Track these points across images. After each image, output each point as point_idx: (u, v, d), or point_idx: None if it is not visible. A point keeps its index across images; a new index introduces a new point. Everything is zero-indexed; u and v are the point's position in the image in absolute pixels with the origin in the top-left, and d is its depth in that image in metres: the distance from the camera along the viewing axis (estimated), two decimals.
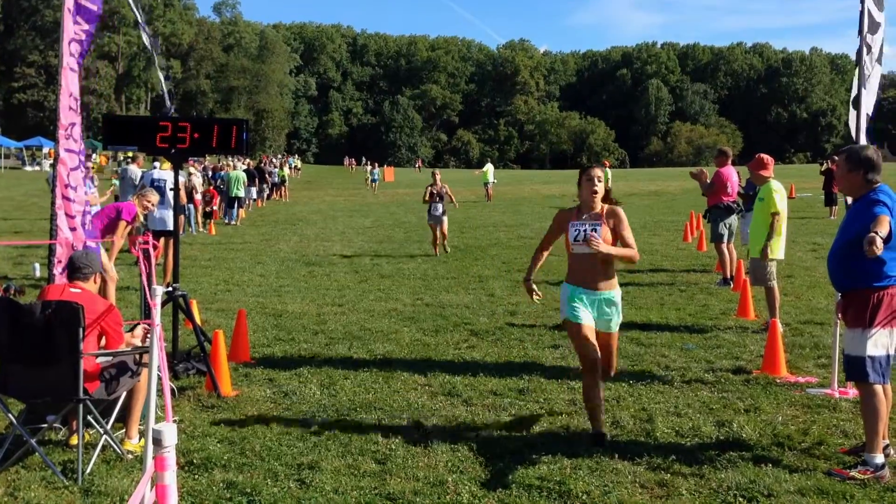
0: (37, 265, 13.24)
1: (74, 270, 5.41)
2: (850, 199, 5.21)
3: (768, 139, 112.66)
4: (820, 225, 21.70)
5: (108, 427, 5.13)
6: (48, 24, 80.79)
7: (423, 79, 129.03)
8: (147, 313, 6.72)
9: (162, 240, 11.87)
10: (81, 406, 4.87)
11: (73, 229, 6.71)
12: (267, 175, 35.27)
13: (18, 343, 4.93)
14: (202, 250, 17.06)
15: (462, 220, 24.03)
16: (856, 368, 4.88)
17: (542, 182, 56.61)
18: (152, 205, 10.41)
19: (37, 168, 58.00)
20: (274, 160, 53.02)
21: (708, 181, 11.88)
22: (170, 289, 6.93)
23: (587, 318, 5.40)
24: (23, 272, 13.50)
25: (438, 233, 16.02)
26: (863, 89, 6.82)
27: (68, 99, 6.64)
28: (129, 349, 5.31)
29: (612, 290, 5.49)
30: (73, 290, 5.25)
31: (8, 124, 77.37)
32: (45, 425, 5.44)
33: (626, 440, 5.44)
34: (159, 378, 3.68)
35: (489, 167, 40.63)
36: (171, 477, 2.82)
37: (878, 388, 4.84)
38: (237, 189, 24.32)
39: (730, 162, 12.23)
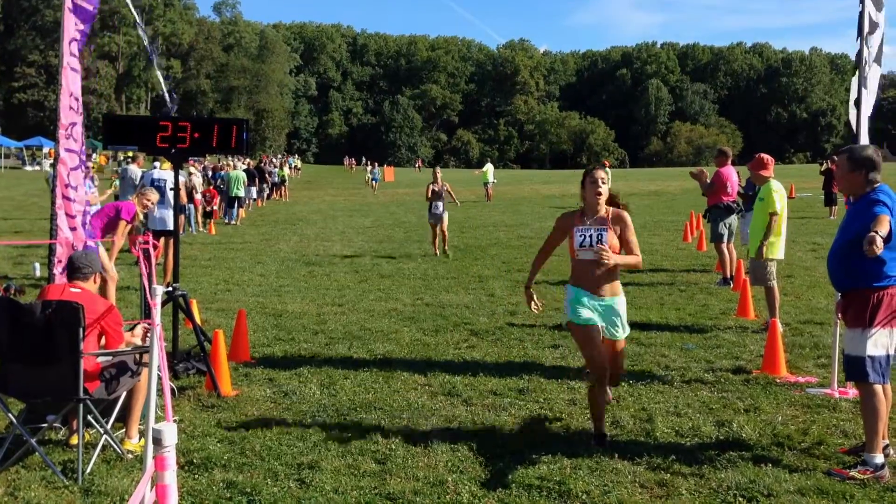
0: (37, 265, 13.25)
1: (74, 270, 5.41)
2: (852, 198, 5.20)
3: (768, 139, 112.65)
4: (820, 225, 21.70)
5: (109, 427, 5.13)
6: (48, 23, 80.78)
7: (423, 79, 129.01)
8: (147, 313, 6.72)
9: (162, 239, 11.87)
10: (81, 406, 4.87)
11: (73, 229, 6.71)
12: (267, 175, 35.28)
13: (19, 342, 4.93)
14: (202, 250, 17.07)
15: (462, 220, 24.03)
16: (856, 368, 4.88)
17: (541, 182, 56.60)
18: (152, 203, 10.40)
19: (37, 168, 57.99)
20: (274, 160, 53.03)
21: (708, 181, 11.89)
22: (170, 288, 6.93)
23: (592, 320, 5.27)
24: (23, 272, 13.51)
25: (438, 231, 15.95)
26: (863, 89, 6.82)
27: (69, 99, 6.64)
28: (130, 349, 5.32)
29: (617, 296, 5.36)
30: (72, 289, 5.26)
31: (8, 124, 77.37)
32: (46, 425, 5.44)
33: (626, 440, 5.45)
34: (159, 378, 3.68)
35: (489, 167, 40.63)
36: (171, 477, 2.82)
37: (878, 387, 4.84)
38: (237, 189, 24.32)
39: (729, 162, 12.24)
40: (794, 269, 13.29)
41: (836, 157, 5.40)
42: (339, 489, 4.61)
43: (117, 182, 18.44)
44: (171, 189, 11.19)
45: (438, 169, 16.60)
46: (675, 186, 45.39)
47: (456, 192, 16.71)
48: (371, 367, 7.39)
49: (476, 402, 6.33)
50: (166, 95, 7.68)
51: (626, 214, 5.42)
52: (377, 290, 11.82)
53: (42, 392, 4.98)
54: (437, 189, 15.69)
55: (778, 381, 6.86)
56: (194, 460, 5.03)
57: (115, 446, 5.12)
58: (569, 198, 37.48)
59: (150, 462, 2.85)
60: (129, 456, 5.09)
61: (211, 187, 24.16)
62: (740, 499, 4.48)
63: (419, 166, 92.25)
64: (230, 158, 29.27)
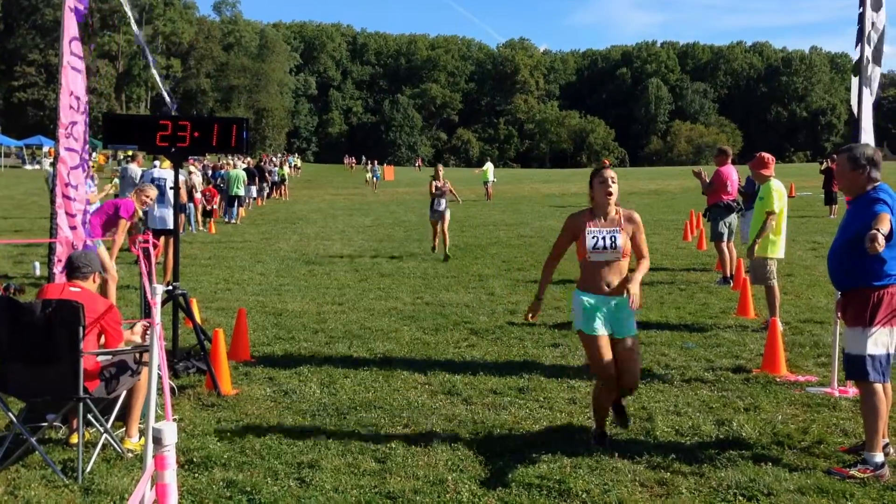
0: (37, 264, 13.25)
1: (73, 270, 5.41)
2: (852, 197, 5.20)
3: (768, 138, 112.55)
4: (820, 224, 21.70)
5: (109, 426, 5.13)
6: (48, 22, 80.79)
7: (423, 78, 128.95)
8: (147, 312, 6.72)
9: (162, 239, 11.87)
10: (81, 405, 4.88)
11: (73, 228, 6.71)
12: (267, 174, 35.27)
13: (18, 342, 4.93)
14: (202, 249, 17.07)
15: (462, 219, 24.03)
16: (856, 367, 4.88)
17: (541, 181, 56.61)
18: (150, 199, 10.39)
19: (37, 167, 57.99)
20: (274, 159, 53.02)
21: (707, 181, 11.90)
22: (170, 287, 6.93)
23: (602, 330, 5.14)
24: (23, 271, 13.51)
25: (440, 231, 15.77)
26: (864, 88, 6.81)
27: (69, 98, 6.64)
28: (130, 348, 5.32)
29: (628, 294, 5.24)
30: (72, 289, 5.26)
31: (8, 123, 77.35)
32: (45, 424, 5.44)
33: (626, 439, 5.45)
34: (159, 377, 3.68)
35: (489, 166, 40.64)
36: (171, 476, 2.82)
37: (878, 386, 4.84)
38: (237, 188, 24.33)
39: (729, 161, 12.24)
40: (794, 268, 13.29)
41: (836, 156, 5.40)
42: (339, 488, 4.62)
43: (117, 181, 18.44)
44: (171, 188, 11.19)
45: (440, 166, 16.38)
46: (675, 185, 45.40)
47: (456, 191, 16.60)
48: (371, 365, 7.39)
49: (476, 400, 6.33)
50: (166, 96, 7.69)
51: (636, 215, 5.34)
52: (377, 289, 11.83)
53: (42, 391, 4.98)
54: (439, 185, 15.53)
55: (778, 379, 6.86)
56: (194, 459, 5.03)
57: (115, 445, 5.12)
58: (569, 196, 37.49)
59: (150, 461, 2.85)
60: (129, 455, 5.10)
61: (211, 186, 24.15)
62: (740, 497, 4.48)
63: (419, 165, 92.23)
64: (230, 157, 29.27)
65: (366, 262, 15.08)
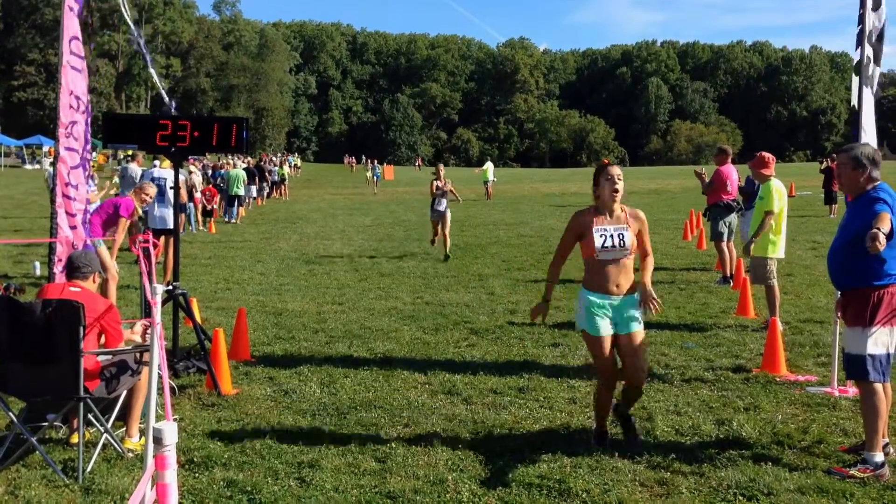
0: (37, 263, 13.25)
1: (73, 270, 5.42)
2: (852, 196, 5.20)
3: (768, 137, 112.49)
4: (820, 223, 21.70)
5: (109, 426, 5.13)
6: (48, 22, 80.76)
7: (422, 77, 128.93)
8: (147, 312, 6.72)
9: (162, 238, 11.87)
10: (82, 404, 4.88)
11: (73, 227, 6.71)
12: (267, 173, 35.27)
13: (19, 341, 4.93)
14: (202, 249, 17.07)
15: (462, 219, 24.02)
16: (856, 367, 4.88)
17: (541, 180, 56.61)
18: (150, 197, 10.39)
19: (37, 166, 57.98)
20: (274, 158, 53.01)
21: (707, 181, 11.91)
22: (170, 287, 6.93)
23: (606, 330, 5.09)
24: (23, 270, 13.51)
25: (440, 232, 15.60)
26: (865, 88, 6.81)
27: (69, 97, 6.64)
28: (130, 348, 5.32)
29: (634, 292, 5.19)
30: (72, 289, 5.26)
31: (8, 122, 77.33)
32: (46, 424, 5.44)
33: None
34: (160, 376, 3.68)
35: (489, 165, 40.63)
36: (171, 476, 2.82)
37: (878, 386, 4.84)
38: (237, 187, 24.33)
39: (729, 160, 12.24)
40: (793, 268, 13.29)
41: (836, 156, 5.40)
42: (339, 488, 4.62)
43: (117, 180, 18.44)
44: (171, 188, 11.19)
45: (441, 166, 16.22)
46: (675, 185, 45.39)
47: (456, 190, 16.54)
48: (371, 365, 7.39)
49: (476, 400, 6.33)
50: (164, 96, 7.67)
51: (642, 213, 5.28)
52: (377, 289, 11.82)
53: (42, 391, 4.98)
54: (440, 185, 15.37)
55: (778, 379, 6.86)
56: (195, 459, 5.03)
57: (116, 445, 5.12)
58: (568, 196, 37.49)
59: (150, 461, 2.85)
60: (130, 455, 5.10)
61: (210, 186, 24.15)
62: (740, 497, 4.48)
63: (419, 165, 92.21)
64: (230, 157, 29.26)
65: (366, 261, 15.08)
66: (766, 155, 9.11)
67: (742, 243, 12.14)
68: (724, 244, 11.91)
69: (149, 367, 4.43)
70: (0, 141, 59.06)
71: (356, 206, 31.87)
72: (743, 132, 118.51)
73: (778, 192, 8.64)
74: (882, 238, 4.43)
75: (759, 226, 8.59)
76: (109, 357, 5.35)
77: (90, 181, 12.26)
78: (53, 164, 6.76)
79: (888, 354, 4.88)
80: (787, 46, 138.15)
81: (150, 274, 6.45)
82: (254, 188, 29.83)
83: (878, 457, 4.79)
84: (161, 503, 2.80)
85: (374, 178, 46.92)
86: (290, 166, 53.20)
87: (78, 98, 6.75)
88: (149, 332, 5.27)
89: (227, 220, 23.95)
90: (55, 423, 5.53)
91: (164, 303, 6.59)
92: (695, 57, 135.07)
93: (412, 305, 10.50)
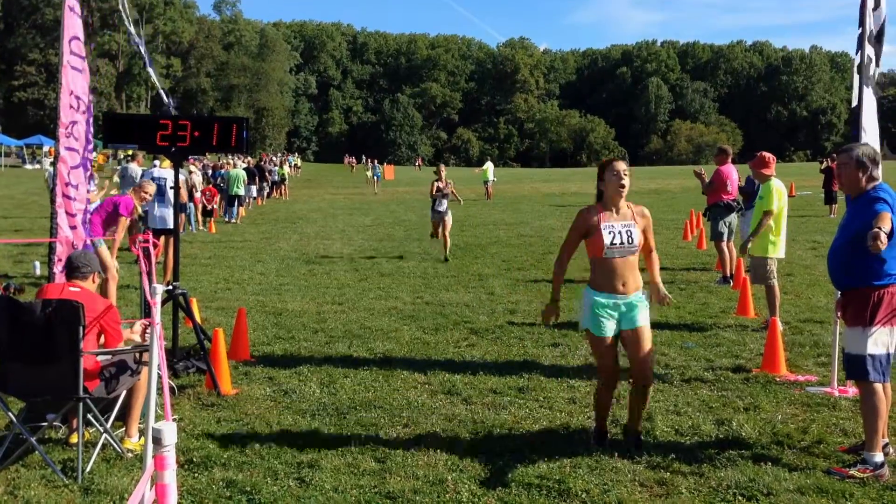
0: (37, 263, 13.25)
1: (73, 270, 5.42)
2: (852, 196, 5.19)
3: (768, 137, 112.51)
4: (820, 223, 21.70)
5: (108, 426, 5.13)
6: (48, 22, 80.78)
7: (423, 77, 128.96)
8: (147, 312, 6.72)
9: (162, 238, 11.87)
10: (81, 404, 4.88)
11: (73, 227, 6.71)
12: (267, 173, 35.26)
13: (18, 341, 4.93)
14: (202, 248, 17.07)
15: (462, 219, 24.01)
16: (856, 367, 4.88)
17: (541, 180, 56.60)
18: (149, 195, 10.39)
19: (37, 166, 57.98)
20: (274, 158, 53.02)
21: (707, 180, 11.90)
22: (170, 287, 6.93)
23: (611, 331, 5.03)
24: (23, 270, 13.51)
25: (440, 234, 15.39)
26: (866, 88, 6.80)
27: (69, 97, 6.64)
28: (129, 348, 5.32)
29: (640, 288, 5.12)
30: (72, 289, 5.26)
31: (8, 122, 77.35)
32: (45, 424, 5.44)
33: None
34: (159, 376, 3.68)
35: (489, 165, 40.61)
36: (170, 476, 2.82)
37: (878, 386, 4.84)
38: (237, 187, 24.33)
39: (730, 160, 12.23)
40: (793, 268, 13.29)
41: (836, 156, 5.40)
42: (338, 488, 4.62)
43: (117, 179, 18.43)
44: (171, 188, 11.19)
45: (443, 166, 16.02)
46: (675, 185, 45.39)
47: (456, 189, 16.46)
48: (371, 365, 7.39)
49: (476, 400, 6.33)
50: (164, 96, 7.67)
51: (647, 210, 5.21)
52: (377, 289, 11.82)
53: (42, 391, 4.98)
54: (441, 186, 15.22)
55: (778, 379, 6.86)
56: (194, 459, 5.03)
57: (115, 445, 5.12)
58: (568, 196, 37.49)
59: (149, 461, 2.85)
60: (129, 455, 5.10)
61: (210, 186, 24.15)
62: (740, 497, 4.48)
63: (419, 165, 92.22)
64: (230, 157, 29.26)
65: (366, 261, 15.08)
66: (767, 155, 9.11)
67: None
68: (724, 244, 11.91)
69: (148, 367, 4.42)
70: (0, 141, 59.08)
71: (356, 206, 31.87)
72: (743, 132, 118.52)
73: (778, 192, 8.64)
74: (883, 237, 4.43)
75: (758, 225, 8.60)
76: (109, 357, 5.35)
77: (91, 181, 12.26)
78: (54, 163, 6.76)
79: (888, 354, 4.87)
80: (787, 46, 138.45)
81: (149, 274, 6.46)
82: (254, 188, 29.83)
83: (878, 457, 4.78)
84: (160, 503, 2.80)
85: (375, 178, 46.87)
86: (290, 166, 53.19)
87: (78, 98, 6.75)
88: (148, 331, 5.27)
89: (227, 219, 23.95)
90: (54, 423, 5.53)
91: (163, 303, 6.59)
92: (695, 57, 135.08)
93: (412, 305, 10.50)
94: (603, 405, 5.31)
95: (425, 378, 6.97)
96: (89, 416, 4.99)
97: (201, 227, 21.30)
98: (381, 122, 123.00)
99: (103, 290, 9.41)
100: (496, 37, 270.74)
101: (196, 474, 4.80)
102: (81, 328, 4.84)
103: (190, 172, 21.21)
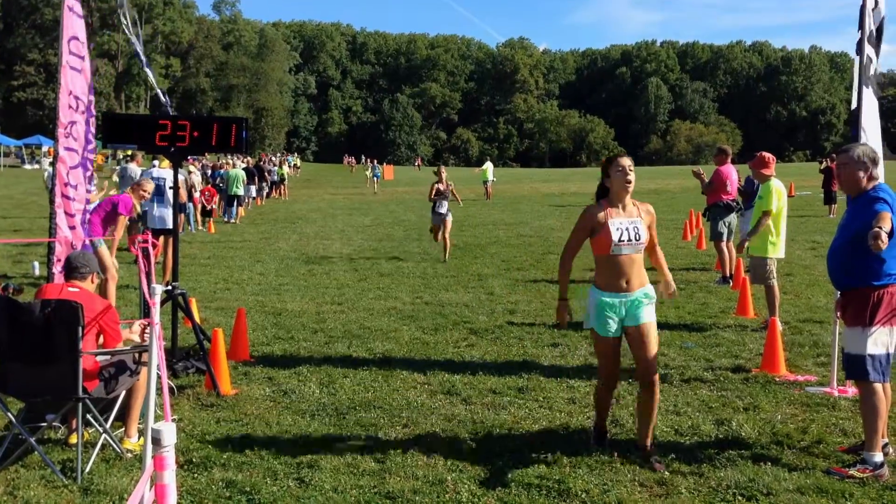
0: (36, 263, 13.24)
1: (72, 270, 5.42)
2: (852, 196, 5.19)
3: (768, 137, 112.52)
4: (819, 223, 21.70)
5: (108, 426, 5.13)
6: (48, 22, 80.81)
7: (422, 77, 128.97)
8: (146, 312, 6.71)
9: (161, 238, 11.86)
10: (81, 405, 4.87)
11: (72, 228, 6.71)
12: (266, 173, 35.25)
13: (18, 342, 4.93)
14: (201, 249, 17.06)
15: (462, 219, 24.01)
16: (856, 367, 4.88)
17: (541, 180, 56.60)
18: (148, 193, 10.39)
19: (36, 166, 57.96)
20: (273, 158, 52.97)
21: (707, 181, 11.91)
22: (169, 287, 6.93)
23: (616, 331, 4.97)
24: (22, 270, 13.50)
25: (441, 237, 15.24)
26: (864, 87, 6.80)
27: (68, 97, 6.64)
28: (129, 348, 5.31)
29: (644, 285, 5.04)
30: (70, 289, 5.26)
31: (7, 122, 77.35)
32: (45, 424, 5.44)
33: (626, 439, 5.44)
34: (158, 377, 3.67)
35: (488, 165, 40.62)
36: (170, 476, 2.82)
37: (878, 386, 4.84)
38: (236, 187, 24.32)
39: (729, 160, 12.24)
40: (793, 268, 13.29)
41: (835, 156, 5.40)
42: (338, 488, 4.61)
43: (116, 179, 18.42)
44: (170, 188, 11.19)
45: (443, 168, 15.80)
46: (674, 185, 45.40)
47: (456, 190, 16.33)
48: (370, 365, 7.39)
49: (475, 400, 6.33)
50: (161, 96, 7.68)
51: (651, 207, 5.17)
52: (376, 289, 11.82)
53: (41, 391, 4.98)
54: (441, 189, 15.02)
55: (777, 379, 6.86)
56: (193, 459, 5.03)
57: (115, 445, 5.12)
58: (568, 196, 37.49)
59: (149, 461, 2.85)
60: (129, 455, 5.09)
61: (209, 186, 24.14)
62: (739, 497, 4.48)
63: (419, 165, 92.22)
64: (229, 157, 29.25)
65: (365, 261, 15.07)
66: (767, 155, 9.11)
67: None
68: (723, 244, 11.91)
69: (148, 367, 4.42)
70: (0, 141, 59.08)
71: (356, 206, 31.86)
72: (742, 132, 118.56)
73: (777, 193, 8.65)
74: (884, 236, 4.43)
75: (755, 225, 8.61)
76: (108, 357, 5.35)
77: (91, 182, 12.25)
78: (53, 164, 6.76)
79: (888, 354, 4.87)
80: (786, 46, 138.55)
81: (148, 274, 6.45)
82: (253, 188, 29.81)
83: (878, 457, 4.78)
84: (160, 503, 2.80)
85: (375, 178, 46.81)
86: (289, 166, 53.21)
87: (77, 98, 6.75)
88: (147, 331, 5.26)
89: (226, 220, 23.94)
90: (54, 424, 5.53)
91: (162, 303, 6.58)
92: (694, 57, 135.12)
93: (411, 305, 10.50)
94: (603, 405, 5.31)
95: (425, 378, 6.96)
96: (89, 416, 4.99)
97: (200, 228, 21.30)
98: (381, 122, 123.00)
99: (103, 290, 9.41)
100: (496, 37, 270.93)
101: (196, 474, 4.80)
102: (80, 328, 4.84)
103: (189, 172, 21.20)
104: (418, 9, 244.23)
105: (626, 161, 5.01)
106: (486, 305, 10.48)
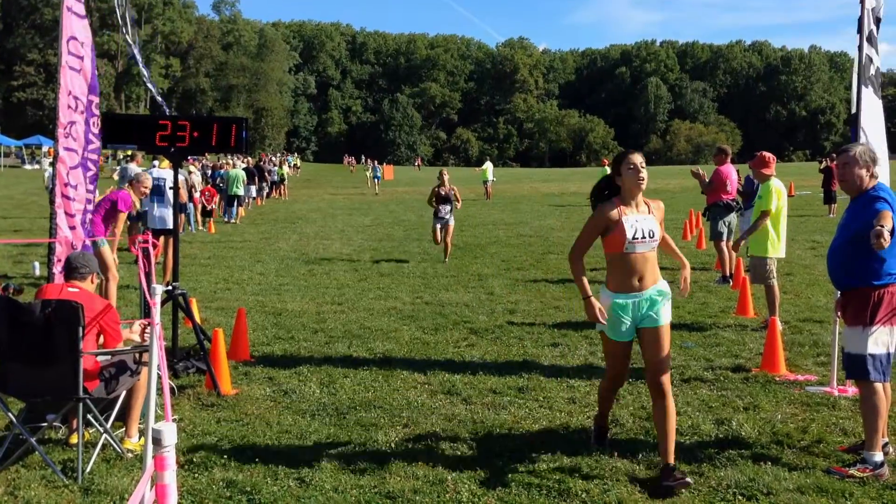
0: (36, 264, 13.24)
1: (72, 270, 5.42)
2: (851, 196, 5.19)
3: (767, 137, 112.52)
4: (819, 223, 21.71)
5: (108, 426, 5.13)
6: (47, 22, 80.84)
7: (422, 77, 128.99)
8: (147, 312, 6.72)
9: (161, 238, 11.86)
10: (81, 405, 4.87)
11: (72, 228, 6.71)
12: (266, 173, 35.25)
13: (18, 342, 4.93)
14: (202, 249, 17.06)
15: (462, 219, 24.00)
16: (856, 366, 4.88)
17: (541, 180, 56.60)
18: (147, 189, 10.40)
19: (36, 166, 57.98)
20: (273, 158, 52.99)
21: (706, 180, 11.91)
22: (169, 287, 6.93)
23: (628, 335, 4.85)
24: (22, 270, 13.51)
25: (442, 240, 15.02)
26: (866, 88, 6.80)
27: (67, 97, 6.64)
28: (129, 348, 5.32)
29: (657, 282, 4.86)
30: (70, 289, 5.26)
31: (7, 123, 77.37)
32: (45, 424, 5.44)
33: (626, 438, 5.45)
34: (159, 377, 3.67)
35: (488, 165, 40.63)
36: (170, 476, 2.82)
37: (879, 386, 4.84)
38: (236, 187, 24.32)
39: (729, 160, 12.24)
40: (793, 268, 13.30)
41: (835, 155, 5.40)
42: (338, 488, 4.62)
43: (116, 178, 18.44)
44: (170, 188, 11.19)
45: (445, 170, 15.52)
46: (674, 184, 45.40)
47: (456, 189, 16.16)
48: (371, 365, 7.39)
49: (475, 400, 6.33)
50: (158, 98, 7.68)
51: (661, 203, 5.10)
52: (377, 289, 11.82)
53: (42, 391, 4.98)
54: (443, 192, 14.74)
55: (777, 379, 6.86)
56: (194, 459, 5.03)
57: (115, 445, 5.12)
58: (568, 196, 37.50)
59: (149, 461, 2.85)
60: (129, 455, 5.09)
61: (209, 186, 24.15)
62: (740, 497, 4.48)
63: (419, 165, 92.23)
64: (229, 157, 29.25)
65: (365, 261, 15.07)
66: (767, 154, 9.11)
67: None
68: (723, 244, 11.92)
69: (148, 367, 4.42)
70: (0, 141, 59.09)
71: (356, 206, 31.86)
72: (742, 132, 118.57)
73: (777, 192, 8.65)
74: (887, 234, 4.43)
75: (753, 224, 8.61)
76: (109, 357, 5.35)
77: (93, 181, 12.25)
78: (53, 164, 6.76)
79: (888, 354, 4.88)
80: (786, 46, 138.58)
81: (149, 274, 6.46)
82: (253, 188, 29.82)
83: (878, 456, 4.79)
84: (160, 503, 2.80)
85: (376, 179, 46.64)
86: (289, 166, 53.21)
87: (76, 98, 6.75)
88: (147, 332, 5.26)
89: (226, 220, 23.95)
90: (54, 424, 5.53)
91: (163, 303, 6.58)
92: (694, 57, 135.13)
93: (412, 305, 10.50)
94: (607, 406, 5.32)
95: (425, 378, 6.97)
96: (89, 416, 4.99)
97: (201, 228, 21.30)
98: (381, 122, 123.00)
99: (103, 290, 9.42)
100: (495, 37, 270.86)
101: (196, 474, 4.80)
102: (81, 328, 4.84)
103: (189, 172, 21.21)
104: (418, 9, 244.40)
105: (638, 158, 4.92)
106: (486, 305, 10.49)
